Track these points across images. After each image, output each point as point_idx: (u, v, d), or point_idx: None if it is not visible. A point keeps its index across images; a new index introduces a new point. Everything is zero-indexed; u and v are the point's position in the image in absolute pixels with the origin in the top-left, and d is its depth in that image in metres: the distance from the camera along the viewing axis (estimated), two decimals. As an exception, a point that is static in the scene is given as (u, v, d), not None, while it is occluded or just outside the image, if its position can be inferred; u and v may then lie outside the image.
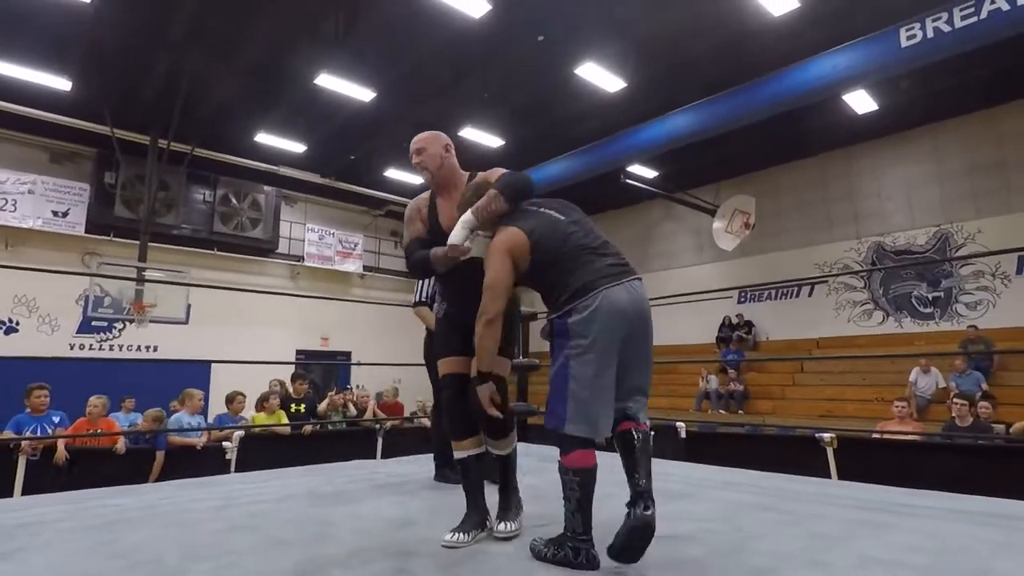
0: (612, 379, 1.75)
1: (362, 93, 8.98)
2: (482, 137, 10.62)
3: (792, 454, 4.81)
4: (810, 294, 11.36)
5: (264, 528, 2.07)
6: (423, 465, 3.54)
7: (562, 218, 1.97)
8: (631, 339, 1.77)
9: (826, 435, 4.19)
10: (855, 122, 9.73)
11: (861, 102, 8.99)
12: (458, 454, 2.09)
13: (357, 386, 10.66)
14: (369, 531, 2.06)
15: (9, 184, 9.57)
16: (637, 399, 1.84)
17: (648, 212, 14.24)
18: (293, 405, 6.19)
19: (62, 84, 8.68)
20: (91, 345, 10.57)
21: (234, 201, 11.94)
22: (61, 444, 4.12)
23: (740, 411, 9.88)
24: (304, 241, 12.93)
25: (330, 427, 5.92)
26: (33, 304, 10.04)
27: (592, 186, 10.74)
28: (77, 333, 10.45)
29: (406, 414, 7.79)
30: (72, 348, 10.30)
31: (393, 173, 12.44)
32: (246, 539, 1.93)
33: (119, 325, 10.77)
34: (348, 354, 13.19)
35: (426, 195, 2.27)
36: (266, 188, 12.34)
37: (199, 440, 4.88)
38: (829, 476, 4.03)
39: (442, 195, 2.21)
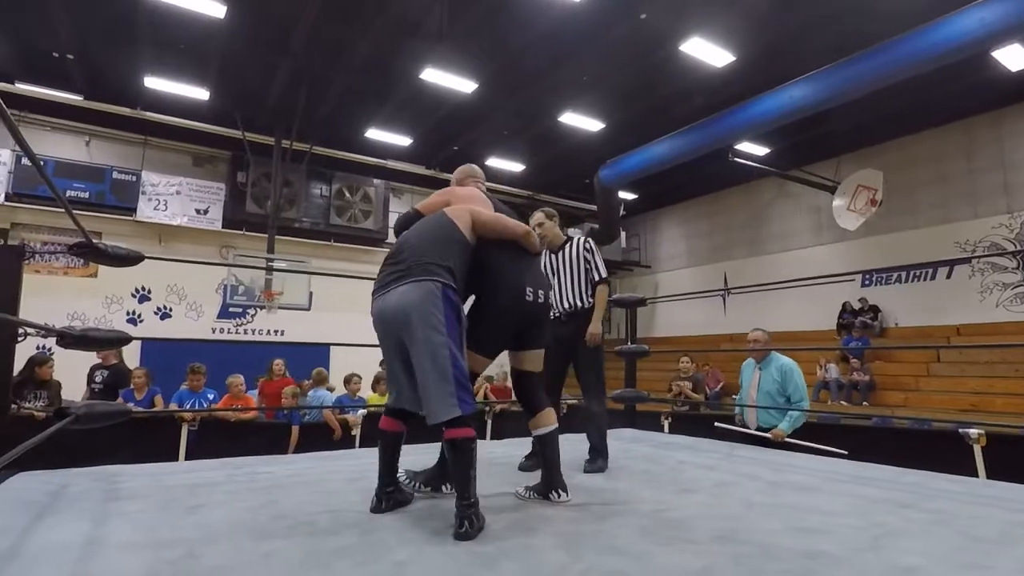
0: (395, 371, 2.10)
1: (464, 85, 9.19)
2: (582, 122, 10.52)
3: (929, 450, 4.42)
4: (948, 276, 10.22)
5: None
6: (528, 446, 3.62)
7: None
8: (396, 342, 2.05)
9: (973, 431, 3.81)
10: (1006, 81, 8.59)
11: (1014, 58, 7.91)
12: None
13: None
14: (489, 507, 2.16)
15: (161, 186, 10.80)
16: (429, 395, 1.94)
17: (760, 191, 13.48)
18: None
19: (201, 94, 9.64)
20: (229, 329, 11.74)
21: (347, 195, 12.70)
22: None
23: (865, 402, 9.15)
24: (411, 231, 13.50)
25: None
26: (183, 292, 11.31)
27: (698, 166, 10.33)
28: (218, 318, 11.65)
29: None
30: (214, 332, 11.49)
31: (493, 161, 12.65)
32: (383, 515, 2.10)
33: (252, 311, 11.88)
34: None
35: None
36: (375, 181, 13.01)
37: (357, 417, 5.15)
38: (975, 475, 3.67)
39: None
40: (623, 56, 8.41)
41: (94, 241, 2.49)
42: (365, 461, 3.05)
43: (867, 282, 11.12)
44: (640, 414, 4.80)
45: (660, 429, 5.28)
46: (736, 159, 10.66)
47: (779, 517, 2.04)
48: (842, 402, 9.29)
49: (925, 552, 1.67)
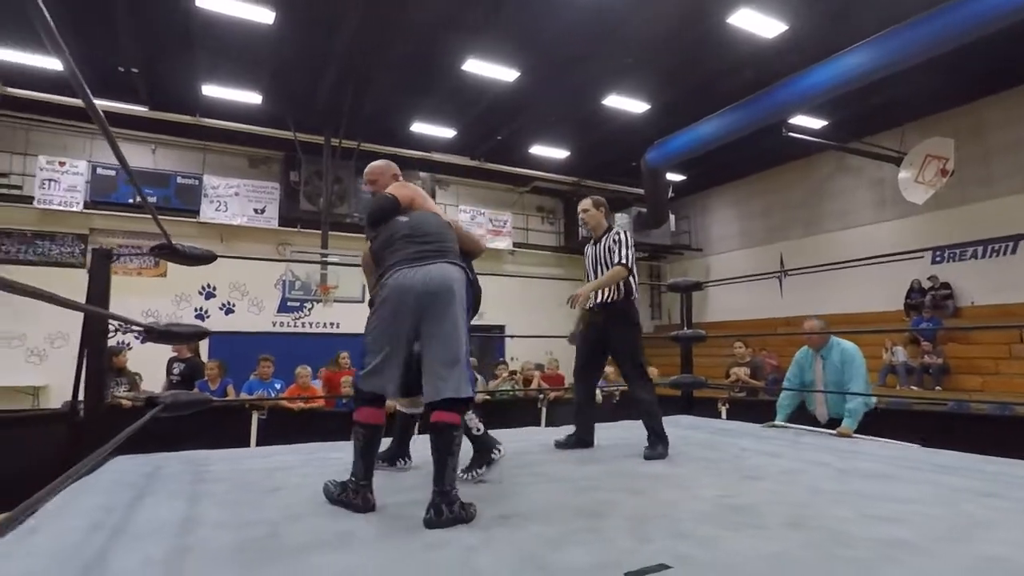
0: (398, 348, 1.99)
1: (506, 74, 9.17)
2: (627, 104, 10.35)
3: (1012, 436, 4.18)
4: (1031, 249, 9.56)
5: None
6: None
7: (403, 219, 2.19)
8: (416, 318, 1.99)
9: (1061, 414, 3.57)
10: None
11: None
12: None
13: (512, 358, 11.12)
14: (555, 491, 2.19)
15: (221, 188, 11.27)
16: (440, 373, 1.93)
17: (817, 166, 12.94)
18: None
19: (254, 98, 9.99)
20: (288, 323, 12.21)
21: (396, 189, 12.91)
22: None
23: (938, 387, 8.71)
24: (457, 222, 13.63)
25: (498, 395, 6.27)
26: (244, 289, 11.81)
27: (750, 143, 10.01)
28: (277, 312, 12.12)
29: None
30: (274, 325, 11.97)
31: (538, 149, 12.60)
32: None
33: (309, 305, 12.31)
34: (502, 327, 13.77)
35: None
36: (421, 174, 13.17)
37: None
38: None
39: None
40: (668, 33, 8.19)
41: (173, 243, 2.64)
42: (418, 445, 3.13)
43: (938, 259, 10.53)
44: (697, 401, 4.73)
45: (717, 416, 5.20)
46: (791, 134, 10.25)
47: (849, 504, 1.98)
48: (912, 387, 8.86)
49: (1013, 542, 1.60)
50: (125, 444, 2.38)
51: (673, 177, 13.64)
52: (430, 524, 1.74)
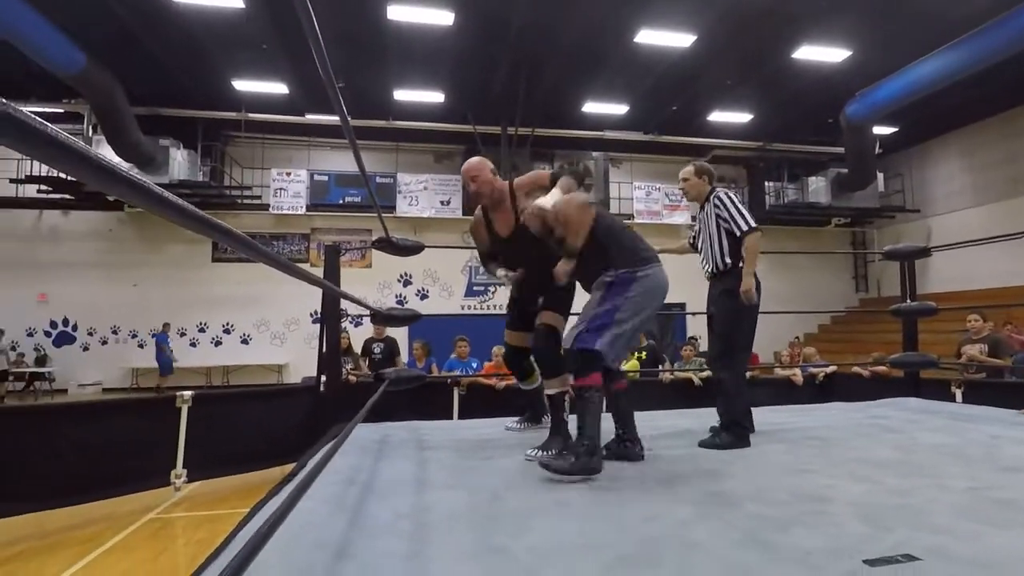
0: (639, 331, 2.33)
1: (681, 40, 8.75)
2: (823, 53, 9.26)
3: None
4: None
5: (661, 463, 2.31)
6: (792, 414, 3.38)
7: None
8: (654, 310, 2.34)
9: None
10: None
11: None
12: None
13: (697, 337, 10.68)
14: (766, 472, 2.10)
15: (412, 184, 12.42)
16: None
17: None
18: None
19: (437, 97, 10.80)
20: (474, 306, 13.11)
21: (568, 170, 13.08)
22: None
23: None
24: (632, 199, 13.40)
25: (692, 376, 6.10)
26: (436, 276, 12.94)
27: (983, 82, 8.38)
28: (465, 297, 13.08)
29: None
30: (462, 309, 12.93)
31: (716, 115, 11.85)
32: (651, 472, 2.19)
33: (492, 289, 13.09)
34: (683, 305, 13.29)
35: (479, 212, 2.73)
36: (594, 154, 13.15)
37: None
38: None
39: (496, 210, 2.64)
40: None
41: (391, 237, 2.99)
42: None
43: None
44: (925, 382, 4.14)
45: (951, 399, 4.49)
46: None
47: None
48: None
49: None
50: (349, 415, 2.79)
51: (880, 130, 11.91)
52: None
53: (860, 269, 15.16)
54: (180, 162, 11.10)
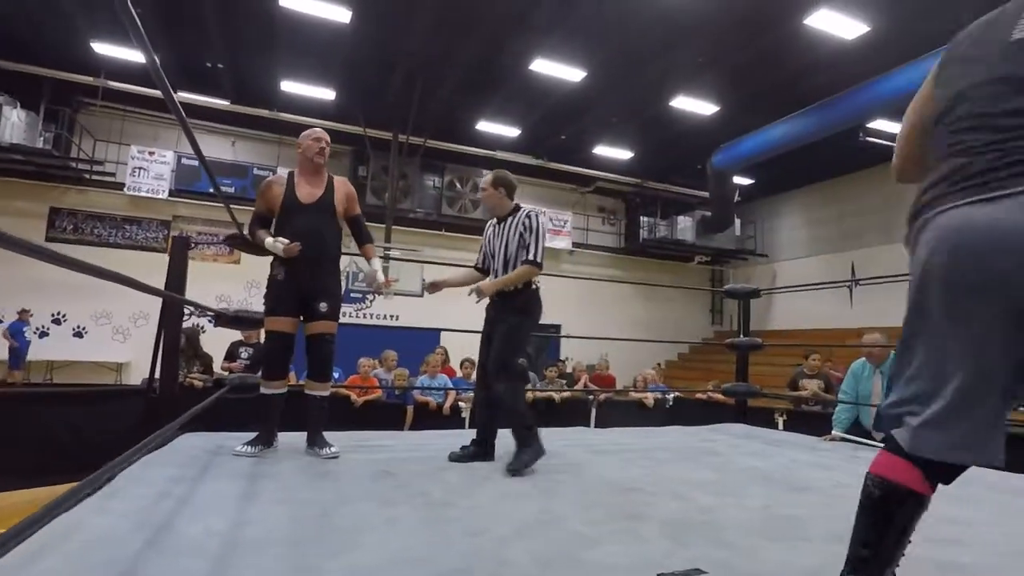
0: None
1: (572, 74, 9.18)
2: (695, 105, 10.13)
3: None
4: None
5: (499, 481, 2.35)
6: (635, 436, 3.62)
7: None
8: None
9: None
10: None
11: None
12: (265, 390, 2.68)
13: (567, 358, 11.13)
14: (595, 491, 2.21)
15: (293, 181, 11.81)
16: None
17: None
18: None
19: (328, 94, 10.42)
20: (350, 314, 12.64)
21: (458, 186, 13.14)
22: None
23: (1023, 407, 8.06)
24: (517, 220, 13.71)
25: (552, 395, 6.28)
26: (311, 278, 12.34)
27: (824, 148, 9.59)
28: (341, 303, 12.60)
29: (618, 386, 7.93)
30: (337, 315, 12.42)
31: (601, 149, 12.52)
32: (490, 489, 2.22)
33: (370, 297, 12.71)
34: (558, 327, 13.77)
35: (286, 174, 2.74)
36: (485, 172, 13.30)
37: (440, 401, 5.49)
38: None
39: (311, 174, 2.73)
40: (741, 35, 7.97)
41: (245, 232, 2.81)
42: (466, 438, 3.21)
43: None
44: (752, 410, 4.61)
45: (774, 427, 5.03)
46: (868, 139, 9.75)
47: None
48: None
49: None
50: (197, 422, 2.57)
51: (740, 180, 13.24)
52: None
53: (717, 304, 16.65)
54: (16, 123, 9.69)
